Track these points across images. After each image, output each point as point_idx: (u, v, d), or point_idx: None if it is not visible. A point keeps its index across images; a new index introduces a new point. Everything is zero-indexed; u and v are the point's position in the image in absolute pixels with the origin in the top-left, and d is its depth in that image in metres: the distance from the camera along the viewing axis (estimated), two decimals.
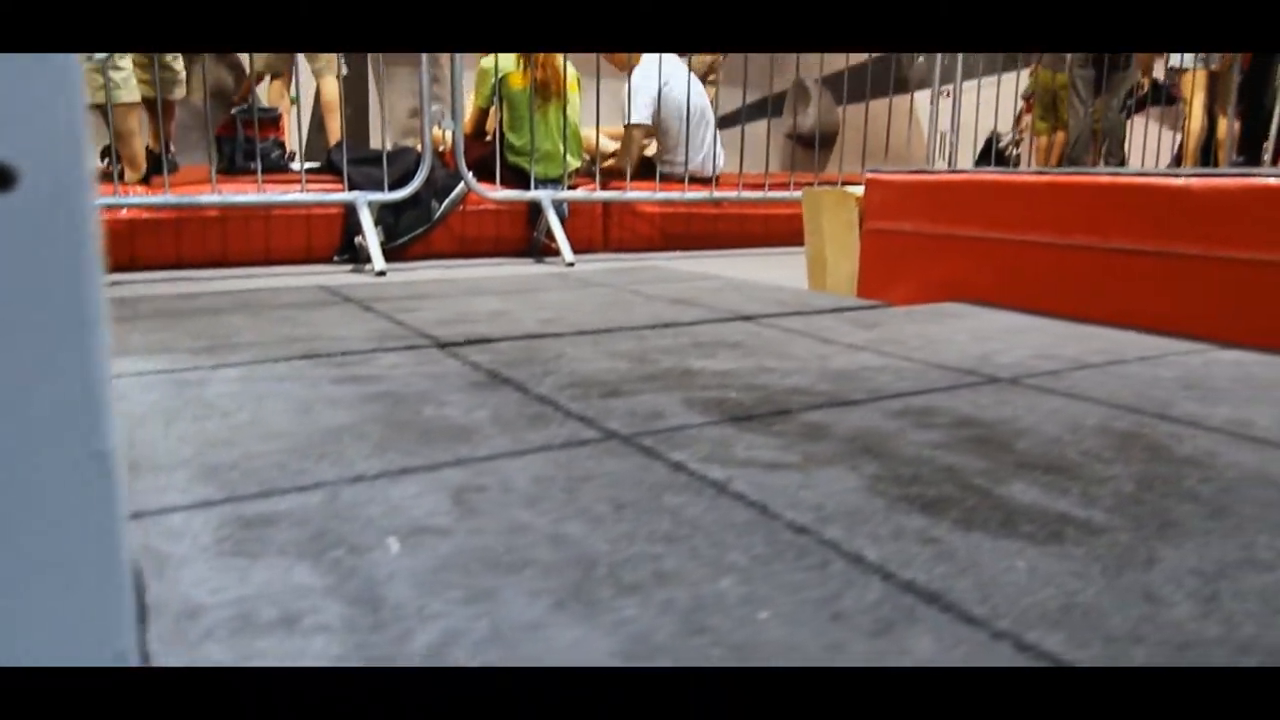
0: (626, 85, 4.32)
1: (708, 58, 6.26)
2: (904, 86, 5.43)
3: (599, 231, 4.24)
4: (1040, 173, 2.07)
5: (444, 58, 3.88)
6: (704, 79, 4.98)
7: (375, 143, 5.67)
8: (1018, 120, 6.06)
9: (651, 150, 4.47)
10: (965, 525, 0.81)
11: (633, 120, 4.31)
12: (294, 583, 0.69)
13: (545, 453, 0.99)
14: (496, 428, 1.08)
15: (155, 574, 0.70)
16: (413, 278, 3.00)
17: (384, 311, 1.94)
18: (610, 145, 4.52)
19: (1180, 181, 1.76)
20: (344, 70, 4.83)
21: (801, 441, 1.04)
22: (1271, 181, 1.63)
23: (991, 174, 2.13)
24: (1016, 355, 1.54)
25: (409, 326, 1.75)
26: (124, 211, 3.27)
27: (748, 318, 1.89)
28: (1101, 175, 1.91)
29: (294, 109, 5.42)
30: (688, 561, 0.73)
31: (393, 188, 3.54)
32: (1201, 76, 5.38)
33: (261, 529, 0.79)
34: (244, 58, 5.44)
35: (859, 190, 2.42)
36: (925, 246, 2.25)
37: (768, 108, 4.58)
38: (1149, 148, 5.50)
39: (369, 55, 6.77)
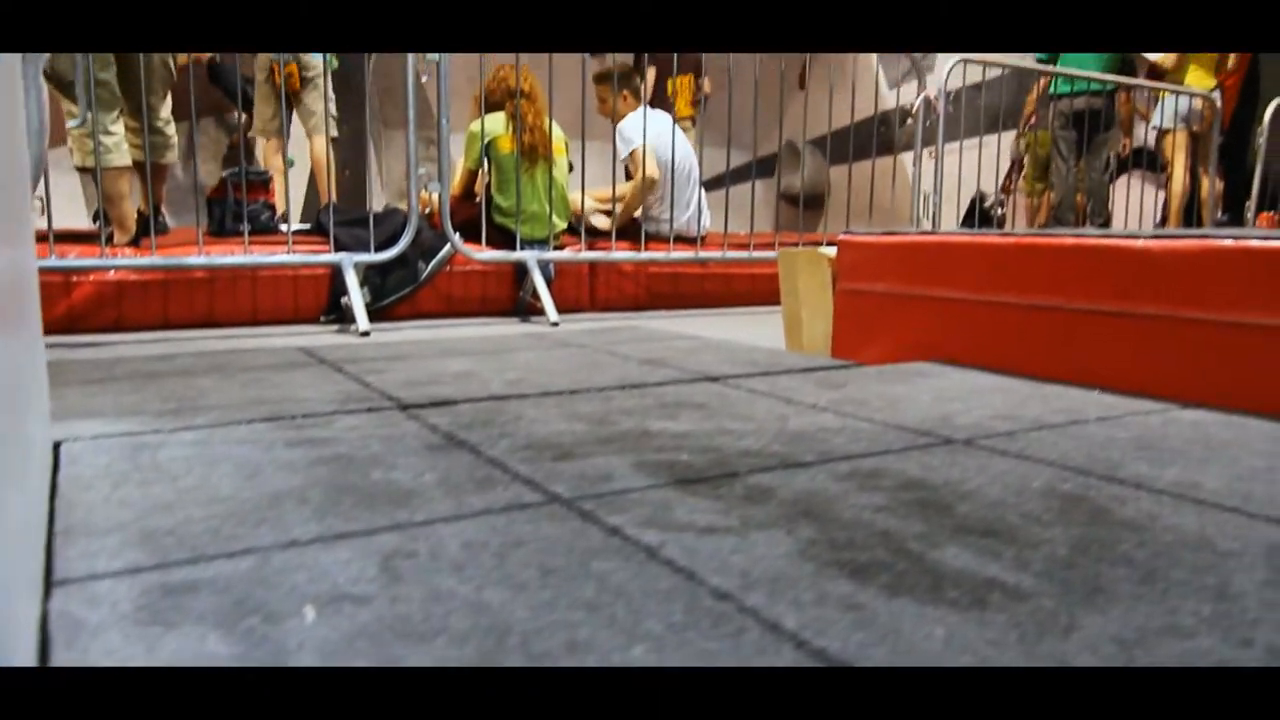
0: (611, 146, 4.39)
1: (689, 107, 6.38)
2: (891, 148, 5.51)
3: (585, 291, 4.28)
4: (1005, 234, 2.10)
5: (433, 117, 3.94)
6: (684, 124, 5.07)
7: (376, 203, 5.74)
8: (1006, 180, 6.14)
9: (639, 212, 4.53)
10: (891, 591, 0.81)
11: (644, 145, 4.34)
12: (204, 652, 0.68)
13: (484, 517, 0.99)
14: (441, 491, 1.09)
15: (66, 643, 0.70)
16: (393, 338, 3.02)
17: (354, 373, 1.95)
18: (592, 205, 4.58)
19: (1140, 243, 1.78)
20: (335, 132, 4.92)
21: (743, 505, 1.04)
22: (1226, 243, 1.65)
23: (958, 236, 2.16)
24: (976, 416, 1.55)
25: (375, 388, 1.76)
26: (111, 274, 3.30)
27: (715, 379, 1.90)
28: (1064, 236, 1.94)
29: (288, 170, 5.52)
30: (603, 630, 0.72)
31: (380, 249, 3.58)
32: (1182, 137, 5.46)
33: (183, 596, 0.78)
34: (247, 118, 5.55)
35: (833, 251, 2.45)
36: (897, 307, 2.27)
37: (752, 170, 4.64)
38: (1137, 208, 5.56)
39: (367, 117, 6.91)
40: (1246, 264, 1.65)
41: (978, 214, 5.33)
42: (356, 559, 0.87)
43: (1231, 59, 5.62)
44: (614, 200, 4.32)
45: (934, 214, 4.59)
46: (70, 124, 3.28)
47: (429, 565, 0.85)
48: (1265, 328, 1.58)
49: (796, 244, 4.11)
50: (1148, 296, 1.77)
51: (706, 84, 6.43)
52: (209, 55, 4.99)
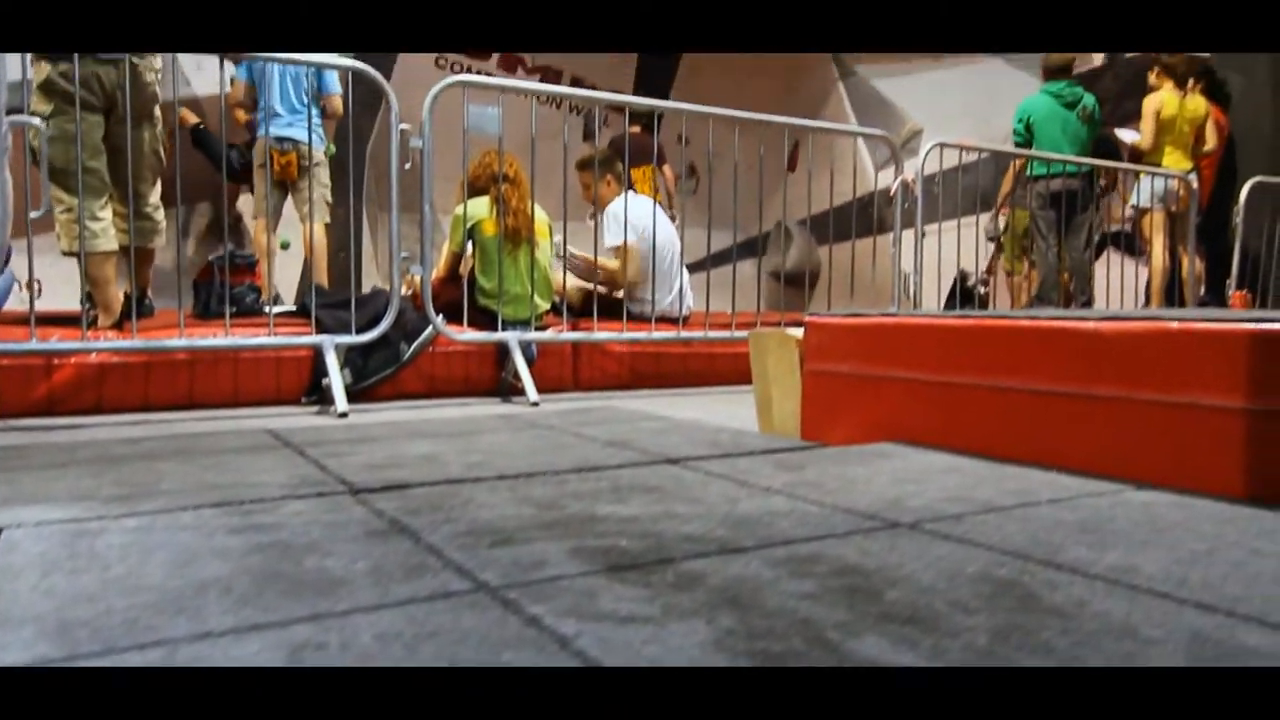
0: (594, 226, 4.47)
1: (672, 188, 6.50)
2: (876, 228, 5.60)
3: (569, 371, 4.29)
4: (962, 316, 2.12)
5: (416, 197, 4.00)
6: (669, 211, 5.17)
7: (369, 285, 5.80)
8: (991, 261, 6.22)
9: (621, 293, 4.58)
10: None
11: (626, 240, 4.45)
12: None
13: (405, 607, 0.99)
14: (370, 580, 1.08)
15: None
16: (367, 420, 3.03)
17: (315, 457, 1.96)
18: (576, 281, 4.66)
19: (1091, 325, 1.80)
20: (328, 218, 5.00)
21: (670, 593, 1.04)
22: (1173, 325, 1.67)
23: (918, 317, 2.18)
24: (928, 498, 1.54)
25: (332, 472, 1.76)
26: (93, 356, 3.32)
27: (674, 460, 1.90)
28: (1020, 318, 1.96)
29: (275, 252, 5.60)
30: None
31: (363, 330, 3.61)
32: (1160, 217, 5.55)
33: None
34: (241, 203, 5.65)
35: (800, 332, 2.47)
36: (863, 388, 2.28)
37: (734, 252, 4.70)
38: (1122, 286, 5.61)
39: (364, 201, 7.04)
40: (1194, 345, 1.66)
41: (959, 294, 5.38)
42: (266, 650, 0.86)
43: (1208, 141, 5.74)
44: (596, 266, 4.39)
45: (915, 294, 4.63)
46: (58, 210, 3.35)
47: (336, 657, 0.85)
48: (1214, 409, 1.59)
49: (778, 323, 4.14)
50: (1100, 377, 1.78)
51: (667, 171, 6.57)
52: (194, 120, 5.09)
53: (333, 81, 4.68)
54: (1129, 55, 7.08)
